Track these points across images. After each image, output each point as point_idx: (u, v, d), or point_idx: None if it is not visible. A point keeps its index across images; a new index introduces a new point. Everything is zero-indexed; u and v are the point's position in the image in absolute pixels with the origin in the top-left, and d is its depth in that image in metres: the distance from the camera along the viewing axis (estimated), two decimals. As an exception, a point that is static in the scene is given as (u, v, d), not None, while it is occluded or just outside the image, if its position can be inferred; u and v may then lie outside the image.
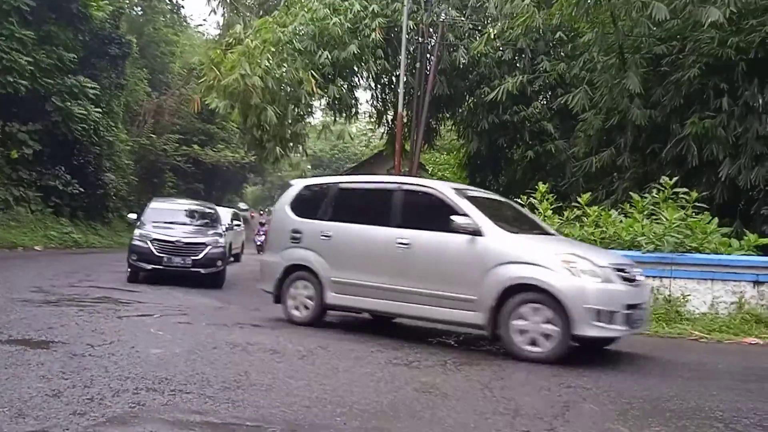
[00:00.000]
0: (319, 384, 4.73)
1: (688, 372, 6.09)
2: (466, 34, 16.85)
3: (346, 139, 34.29)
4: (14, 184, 21.23)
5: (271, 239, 8.75)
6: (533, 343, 6.07)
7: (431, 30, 17.07)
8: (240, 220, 24.27)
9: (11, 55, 20.08)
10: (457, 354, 6.45)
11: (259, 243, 28.63)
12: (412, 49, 17.02)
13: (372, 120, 21.66)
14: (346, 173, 34.90)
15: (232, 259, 17.91)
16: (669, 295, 9.09)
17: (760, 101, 11.23)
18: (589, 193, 11.45)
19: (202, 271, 12.25)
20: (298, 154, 18.45)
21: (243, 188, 58.97)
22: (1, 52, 19.94)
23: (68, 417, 3.52)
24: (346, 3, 15.54)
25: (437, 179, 15.53)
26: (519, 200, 10.88)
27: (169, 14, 38.66)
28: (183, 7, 62.49)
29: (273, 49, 14.82)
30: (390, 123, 19.28)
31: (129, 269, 12.14)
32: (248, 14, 19.90)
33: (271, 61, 14.44)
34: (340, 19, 15.00)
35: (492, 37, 14.88)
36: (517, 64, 16.45)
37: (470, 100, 17.53)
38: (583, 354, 6.37)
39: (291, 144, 16.92)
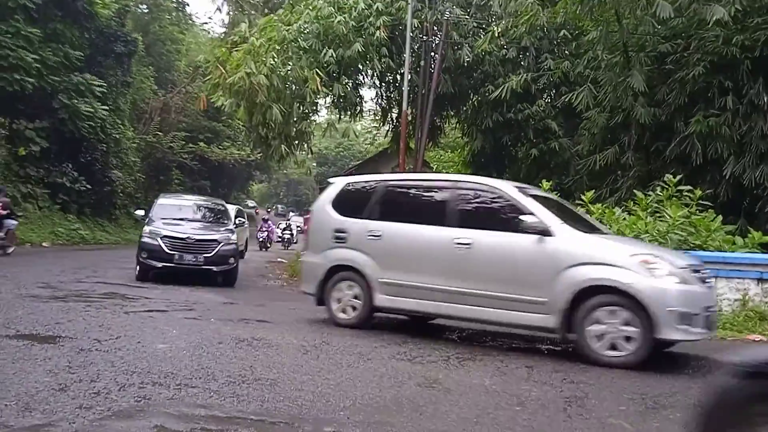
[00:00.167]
0: (323, 379, 4.77)
1: (690, 369, 6.12)
2: (471, 33, 16.86)
3: (351, 137, 34.32)
4: (22, 181, 21.37)
5: (311, 239, 8.31)
6: (613, 347, 5.83)
7: (435, 28, 17.08)
8: (244, 217, 24.40)
9: (18, 53, 20.20)
10: (460, 350, 6.48)
11: (261, 239, 28.72)
12: (416, 47, 17.04)
13: (376, 118, 21.69)
14: (352, 171, 34.96)
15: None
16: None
17: (765, 99, 11.21)
18: (593, 191, 11.44)
19: (215, 268, 11.95)
20: (304, 152, 18.51)
21: (249, 185, 59.14)
22: (7, 49, 20.06)
23: (74, 411, 3.56)
24: (351, 1, 15.57)
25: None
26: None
27: (175, 12, 38.77)
28: (188, 5, 62.65)
29: (278, 48, 14.88)
30: (394, 121, 19.30)
31: (138, 267, 11.86)
32: (253, 12, 19.98)
33: (276, 60, 14.50)
34: (344, 18, 15.03)
35: (496, 35, 14.90)
36: (522, 63, 16.44)
37: (474, 98, 17.53)
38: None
39: (296, 142, 16.99)
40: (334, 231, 7.75)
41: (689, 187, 10.16)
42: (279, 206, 68.32)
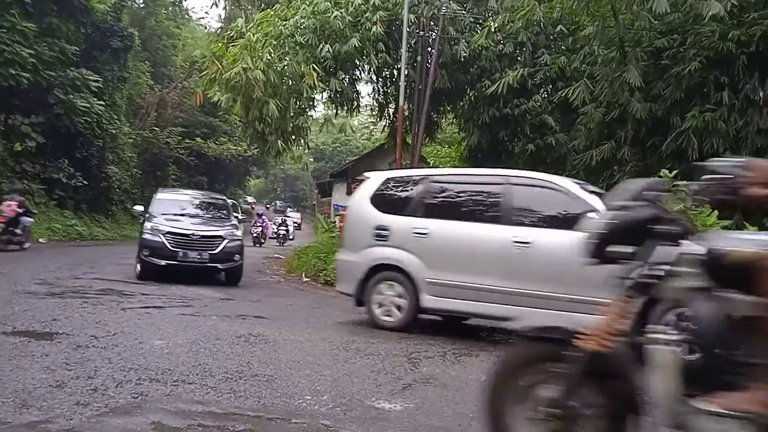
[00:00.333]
0: (319, 375, 4.80)
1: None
2: (467, 28, 16.84)
3: (348, 133, 34.19)
4: (18, 176, 21.31)
5: (347, 237, 7.87)
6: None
7: (432, 23, 17.05)
8: (239, 212, 24.39)
9: (13, 48, 20.13)
10: (456, 346, 6.51)
11: (255, 234, 28.50)
12: (413, 42, 17.01)
13: (373, 113, 21.66)
14: (349, 166, 34.98)
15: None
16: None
17: (761, 94, 11.23)
18: (590, 186, 11.47)
19: (220, 266, 11.47)
20: (300, 148, 18.49)
21: (246, 181, 59.07)
22: (2, 44, 19.99)
23: (72, 407, 3.58)
24: (348, -4, 15.55)
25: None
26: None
27: (171, 7, 38.71)
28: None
29: (275, 43, 14.85)
30: (391, 116, 19.28)
31: (140, 265, 11.30)
32: (250, 7, 19.90)
33: (272, 55, 14.47)
34: (341, 13, 15.00)
35: (493, 30, 14.87)
36: (518, 58, 16.43)
37: (471, 94, 17.52)
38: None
39: (293, 137, 16.96)
40: (374, 228, 7.40)
41: (685, 182, 10.16)
42: (278, 202, 68.32)
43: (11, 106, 21.18)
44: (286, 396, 4.13)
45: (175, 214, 12.18)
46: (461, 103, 18.36)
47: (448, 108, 19.40)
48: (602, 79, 13.29)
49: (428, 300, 7.01)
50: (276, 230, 31.26)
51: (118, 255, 15.94)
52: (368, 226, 7.46)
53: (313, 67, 14.59)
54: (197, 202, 13.67)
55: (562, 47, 16.49)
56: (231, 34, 16.14)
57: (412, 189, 7.63)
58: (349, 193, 29.50)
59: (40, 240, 19.16)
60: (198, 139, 36.62)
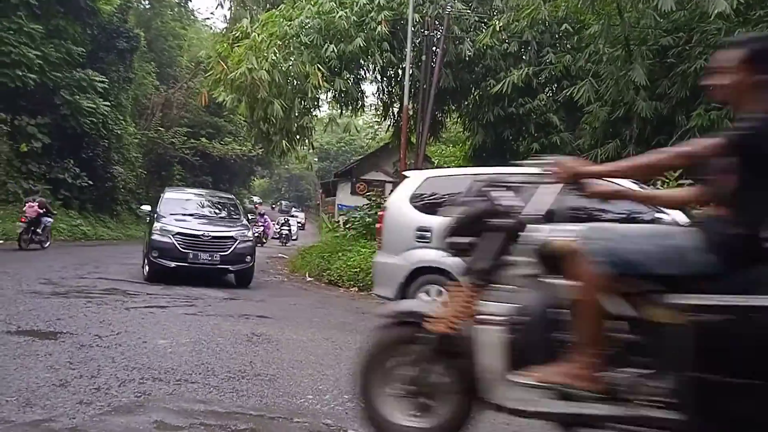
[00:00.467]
0: (322, 374, 4.79)
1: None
2: (472, 27, 16.83)
3: (353, 132, 34.19)
4: (24, 177, 21.43)
5: (386, 239, 7.55)
6: None
7: (437, 23, 17.05)
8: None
9: (20, 49, 20.24)
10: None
11: (256, 234, 28.36)
12: (417, 41, 17.02)
13: (378, 113, 21.67)
14: (353, 166, 34.95)
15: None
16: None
17: (767, 93, 11.17)
18: (595, 185, 11.41)
19: (231, 268, 11.21)
20: (305, 147, 18.51)
21: (251, 181, 59.15)
22: (9, 45, 20.09)
23: (75, 406, 3.58)
24: (352, -4, 15.55)
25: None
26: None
27: (177, 8, 38.81)
28: (190, 0, 62.59)
29: (279, 43, 14.87)
30: (396, 115, 19.28)
31: (148, 267, 11.03)
32: (255, 8, 19.93)
33: (277, 55, 14.49)
34: (346, 12, 15.01)
35: (498, 29, 14.85)
36: (523, 57, 16.40)
37: (476, 93, 17.51)
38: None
39: (297, 137, 16.99)
40: (416, 230, 7.02)
41: (690, 181, 10.14)
42: (283, 202, 68.29)
43: (18, 107, 21.28)
44: (288, 395, 4.13)
45: (184, 214, 11.91)
46: (466, 103, 18.35)
47: (453, 107, 19.39)
48: (607, 77, 13.25)
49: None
50: (279, 230, 31.06)
51: (123, 255, 15.99)
52: (409, 228, 7.13)
53: (317, 67, 14.61)
54: (206, 201, 13.37)
55: (567, 46, 16.46)
56: (236, 35, 16.18)
57: (454, 189, 6.93)
58: (354, 192, 29.49)
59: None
60: (203, 139, 36.68)
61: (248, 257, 11.44)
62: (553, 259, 2.59)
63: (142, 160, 31.74)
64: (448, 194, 7.03)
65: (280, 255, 21.53)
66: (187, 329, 6.40)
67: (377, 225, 8.07)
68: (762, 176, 2.32)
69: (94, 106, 23.51)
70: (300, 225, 39.10)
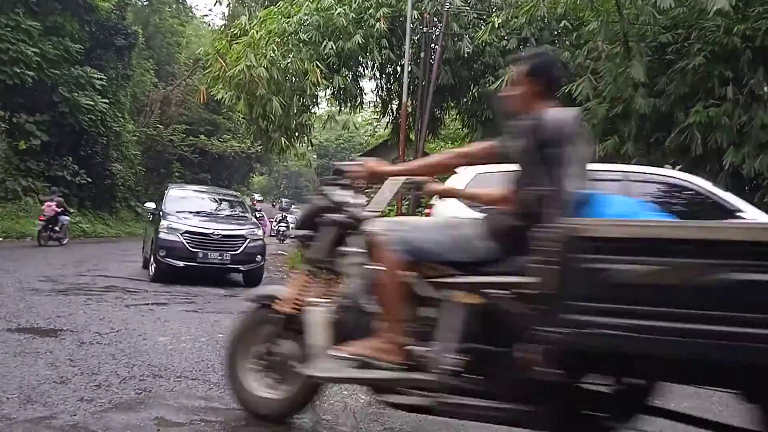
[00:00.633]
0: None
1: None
2: (471, 24, 16.81)
3: (351, 129, 34.25)
4: (22, 174, 21.41)
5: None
6: None
7: (436, 19, 17.03)
8: None
9: (18, 46, 20.21)
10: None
11: None
12: (416, 38, 16.99)
13: (377, 110, 21.66)
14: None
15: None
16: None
17: (766, 89, 11.17)
18: (594, 182, 11.41)
19: (242, 267, 10.97)
20: (304, 144, 18.49)
21: (249, 178, 59.05)
22: (7, 43, 20.06)
23: (76, 403, 3.60)
24: (351, -8, 15.53)
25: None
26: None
27: (175, 4, 38.68)
28: (188, -3, 62.42)
29: (278, 40, 14.85)
30: (395, 113, 19.26)
31: (155, 266, 10.75)
32: (253, 4, 19.91)
33: (276, 52, 14.47)
34: (344, 9, 14.99)
35: (496, 26, 14.85)
36: (522, 54, 16.41)
37: (475, 90, 17.50)
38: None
39: (296, 134, 16.98)
40: None
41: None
42: (283, 200, 68.08)
43: (16, 104, 21.25)
44: (288, 392, 4.13)
45: (191, 212, 11.61)
46: (465, 100, 18.34)
47: (452, 104, 19.38)
48: (606, 74, 13.25)
49: None
50: (276, 227, 30.97)
51: (122, 252, 16.01)
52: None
53: (316, 64, 14.59)
54: (211, 199, 13.09)
55: (566, 42, 16.44)
56: (234, 32, 16.16)
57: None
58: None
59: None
60: (201, 137, 36.60)
61: (258, 256, 11.22)
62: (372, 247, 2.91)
63: (140, 157, 31.67)
64: None
65: (279, 252, 21.53)
66: (187, 326, 6.42)
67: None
68: (531, 175, 2.60)
69: (93, 103, 23.49)
70: None
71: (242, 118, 24.12)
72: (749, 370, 2.15)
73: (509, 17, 14.69)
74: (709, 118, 11.46)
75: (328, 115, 19.33)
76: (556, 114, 2.67)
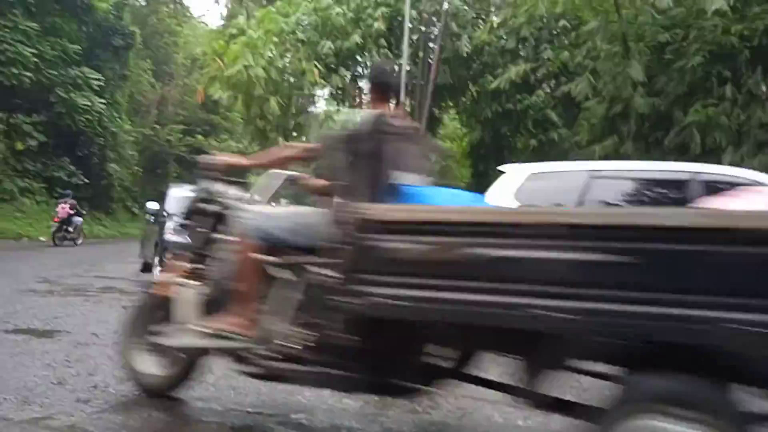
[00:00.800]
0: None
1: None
2: (469, 23, 16.83)
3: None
4: (19, 175, 21.35)
5: None
6: None
7: (434, 19, 17.04)
8: None
9: (15, 47, 20.17)
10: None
11: None
12: (415, 38, 16.99)
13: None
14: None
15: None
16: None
17: (764, 89, 11.19)
18: (593, 182, 11.41)
19: None
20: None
21: (247, 178, 59.15)
22: (5, 43, 20.02)
23: (73, 404, 3.57)
24: (349, -8, 15.53)
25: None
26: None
27: (173, 5, 38.63)
28: (186, -3, 62.35)
29: (276, 40, 14.86)
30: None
31: (159, 268, 10.27)
32: (251, 4, 19.90)
33: (274, 52, 14.49)
34: (342, 9, 15.00)
35: (495, 25, 14.88)
36: (521, 53, 16.39)
37: (473, 89, 17.51)
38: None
39: (294, 134, 16.97)
40: None
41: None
42: (283, 200, 68.26)
43: (13, 105, 21.20)
44: (285, 392, 4.09)
45: None
46: (463, 99, 18.36)
47: (450, 104, 19.40)
48: (605, 73, 13.27)
49: None
50: None
51: (119, 253, 15.93)
52: None
53: (314, 63, 14.60)
54: None
55: (565, 42, 16.45)
56: (232, 32, 16.15)
57: (566, 185, 6.41)
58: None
59: (41, 238, 19.18)
60: (199, 137, 36.53)
61: None
62: None
63: (137, 157, 31.62)
64: (559, 191, 6.14)
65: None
66: (185, 327, 6.37)
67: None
68: (356, 170, 2.89)
69: (90, 103, 23.44)
70: None
71: (240, 118, 24.10)
72: (508, 333, 2.39)
73: (508, 17, 14.72)
74: (707, 117, 11.47)
75: (326, 115, 19.32)
76: (366, 114, 3.04)
